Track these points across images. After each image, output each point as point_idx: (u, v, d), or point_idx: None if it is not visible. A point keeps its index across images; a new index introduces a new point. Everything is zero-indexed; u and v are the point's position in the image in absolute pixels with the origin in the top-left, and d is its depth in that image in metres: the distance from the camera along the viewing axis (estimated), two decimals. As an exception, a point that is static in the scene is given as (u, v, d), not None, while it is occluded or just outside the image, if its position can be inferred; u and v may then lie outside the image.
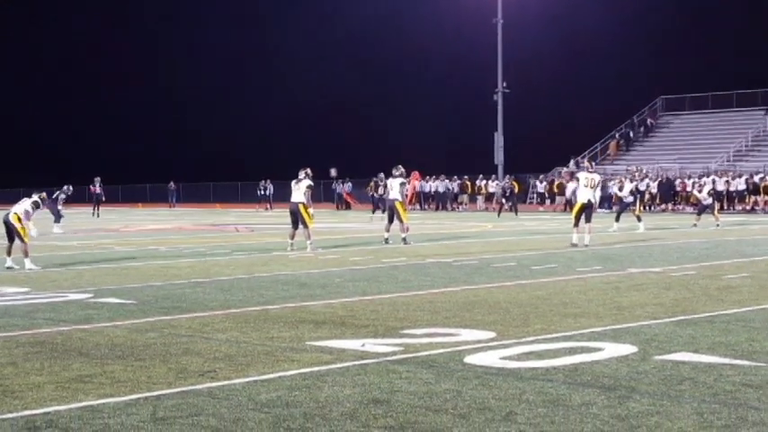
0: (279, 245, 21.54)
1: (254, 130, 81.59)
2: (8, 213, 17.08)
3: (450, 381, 6.94)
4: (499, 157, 56.47)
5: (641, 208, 28.66)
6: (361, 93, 78.68)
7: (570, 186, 39.70)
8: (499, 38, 56.56)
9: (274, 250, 20.40)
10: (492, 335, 8.90)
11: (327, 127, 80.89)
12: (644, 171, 47.21)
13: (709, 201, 29.67)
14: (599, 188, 21.54)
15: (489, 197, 52.02)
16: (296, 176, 20.77)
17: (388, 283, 13.49)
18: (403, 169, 22.70)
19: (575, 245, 20.11)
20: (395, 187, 22.33)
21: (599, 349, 8.08)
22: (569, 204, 41.05)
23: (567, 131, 64.90)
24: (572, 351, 8.00)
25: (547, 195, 51.67)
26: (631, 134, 59.78)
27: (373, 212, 43.05)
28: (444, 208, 51.39)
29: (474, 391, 6.59)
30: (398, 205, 22.10)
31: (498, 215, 41.35)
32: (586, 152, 57.18)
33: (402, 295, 12.07)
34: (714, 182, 41.25)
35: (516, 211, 42.65)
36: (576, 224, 20.38)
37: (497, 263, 16.62)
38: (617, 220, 27.65)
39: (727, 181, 44.51)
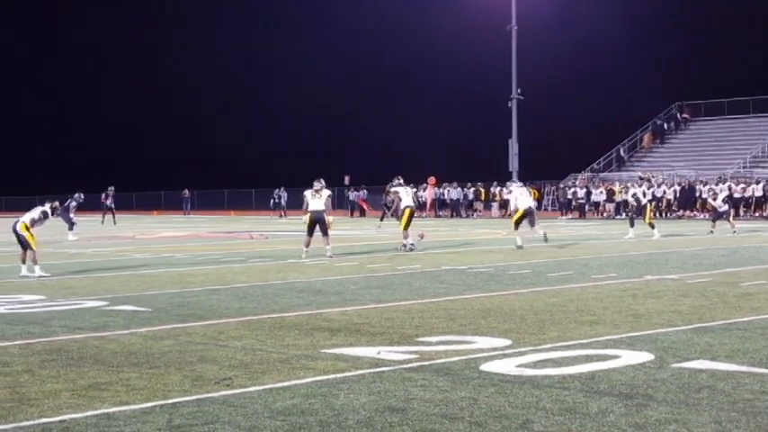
0: (294, 252, 21.55)
1: (266, 137, 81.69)
2: (16, 222, 17.16)
3: (465, 388, 6.92)
4: (514, 164, 56.37)
5: (652, 215, 28.40)
6: (375, 100, 78.72)
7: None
8: (513, 44, 56.42)
9: (289, 257, 20.42)
10: (508, 342, 8.87)
11: (341, 134, 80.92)
12: (660, 178, 46.94)
13: (725, 207, 29.50)
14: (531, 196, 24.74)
15: (504, 204, 51.75)
16: (309, 185, 20.89)
17: (403, 291, 13.47)
18: (402, 180, 24.18)
19: (520, 247, 21.56)
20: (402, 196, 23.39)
21: (615, 357, 8.03)
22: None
23: (582, 138, 64.74)
24: (588, 359, 7.96)
25: (584, 201, 49.20)
26: (666, 126, 59.66)
27: (382, 219, 42.97)
28: (459, 215, 51.30)
29: (490, 399, 6.57)
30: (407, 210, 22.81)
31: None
32: (602, 158, 57.14)
33: (417, 303, 12.05)
34: (730, 188, 41.04)
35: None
36: (516, 228, 22.41)
37: (512, 270, 16.58)
38: (631, 225, 27.49)
39: (744, 187, 44.27)
